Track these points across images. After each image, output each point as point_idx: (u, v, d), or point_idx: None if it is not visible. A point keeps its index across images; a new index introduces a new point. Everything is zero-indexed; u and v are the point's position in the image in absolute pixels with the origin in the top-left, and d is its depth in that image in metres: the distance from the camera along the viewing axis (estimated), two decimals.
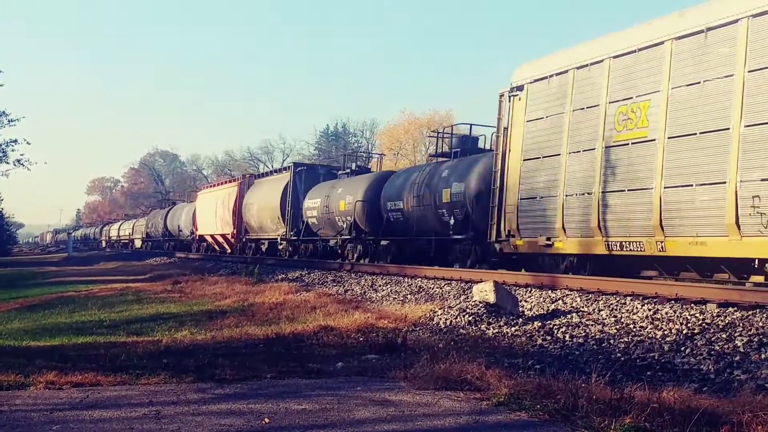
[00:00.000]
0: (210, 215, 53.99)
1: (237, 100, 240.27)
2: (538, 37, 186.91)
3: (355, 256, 33.24)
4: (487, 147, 29.08)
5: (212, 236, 54.30)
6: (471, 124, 31.21)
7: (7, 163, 50.07)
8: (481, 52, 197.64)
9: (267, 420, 7.44)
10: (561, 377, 8.60)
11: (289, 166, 43.29)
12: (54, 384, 9.16)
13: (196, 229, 58.48)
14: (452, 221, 25.88)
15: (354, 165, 38.97)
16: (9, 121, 50.25)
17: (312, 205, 36.85)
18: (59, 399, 8.39)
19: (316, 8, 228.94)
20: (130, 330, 17.14)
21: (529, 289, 17.86)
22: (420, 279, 22.45)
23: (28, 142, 53.84)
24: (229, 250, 51.37)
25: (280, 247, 41.66)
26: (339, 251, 35.28)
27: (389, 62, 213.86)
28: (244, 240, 47.75)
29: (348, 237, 33.29)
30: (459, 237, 25.56)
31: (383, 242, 31.31)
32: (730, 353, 10.69)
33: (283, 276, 29.43)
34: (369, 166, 41.19)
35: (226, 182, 56.56)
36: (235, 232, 48.45)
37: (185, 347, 13.37)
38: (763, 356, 10.29)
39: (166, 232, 72.08)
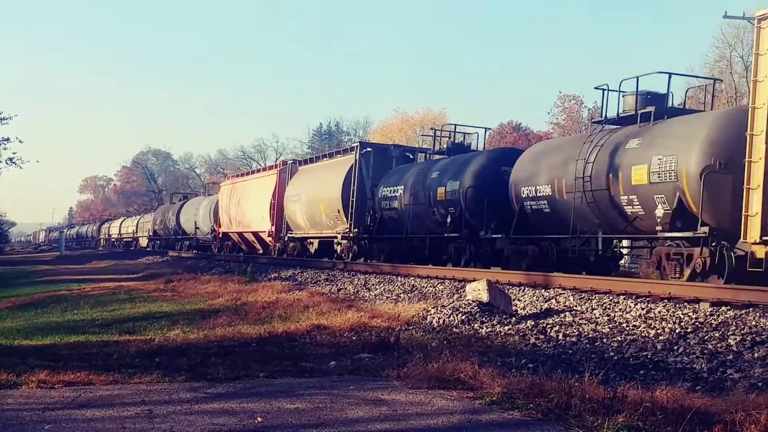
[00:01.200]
0: (238, 210, 46.32)
1: (230, 99, 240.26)
2: (533, 37, 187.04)
3: (463, 260, 24.95)
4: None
5: (241, 234, 46.85)
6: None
7: None
8: (474, 52, 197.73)
9: (260, 419, 7.42)
10: (554, 376, 8.60)
11: (353, 146, 34.40)
12: (46, 383, 9.14)
13: (219, 227, 50.85)
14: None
15: (447, 143, 29.89)
16: (1, 119, 50.19)
17: (390, 193, 29.42)
18: (51, 398, 8.36)
19: (308, 7, 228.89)
20: (122, 329, 17.11)
21: (522, 288, 17.86)
22: (413, 278, 22.45)
23: (20, 141, 53.73)
24: (260, 250, 44.56)
25: (338, 247, 33.61)
26: (442, 252, 26.48)
27: (382, 61, 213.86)
28: (285, 239, 39.55)
29: (453, 234, 25.15)
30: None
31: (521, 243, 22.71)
32: (723, 352, 10.69)
33: (276, 275, 29.41)
34: (468, 143, 30.40)
35: (260, 170, 48.88)
36: (273, 229, 40.78)
37: (178, 346, 13.34)
38: (755, 355, 10.30)
39: (178, 229, 63.85)
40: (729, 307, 12.77)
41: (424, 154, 33.87)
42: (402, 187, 28.52)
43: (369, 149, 33.37)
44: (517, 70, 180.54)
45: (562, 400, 7.75)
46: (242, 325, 16.62)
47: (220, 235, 50.51)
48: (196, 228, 57.99)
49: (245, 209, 45.02)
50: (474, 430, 7.21)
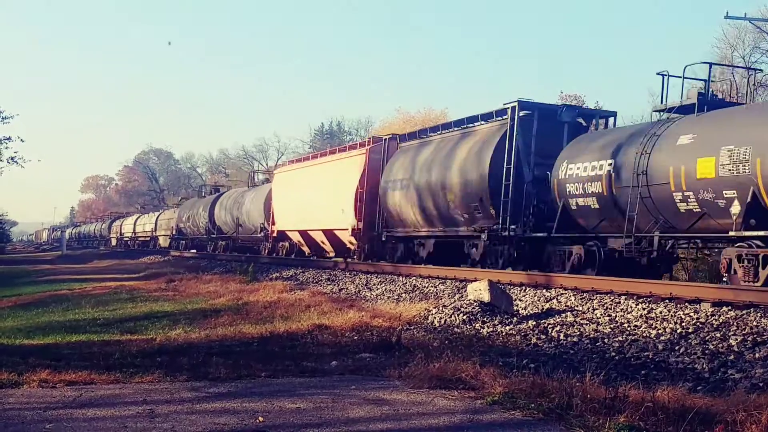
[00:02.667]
0: (302, 202, 36.25)
1: (232, 98, 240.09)
2: (534, 36, 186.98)
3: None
4: None
5: (305, 234, 36.89)
6: None
7: (1, 160, 50.02)
8: (475, 51, 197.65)
9: (261, 419, 7.42)
10: (555, 376, 8.61)
11: (505, 108, 23.06)
12: (47, 382, 9.15)
13: (272, 223, 40.98)
14: None
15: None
16: (3, 118, 50.22)
17: (582, 173, 19.87)
18: (52, 397, 8.36)
19: (308, 7, 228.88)
20: (123, 328, 17.12)
21: (524, 288, 17.86)
22: (415, 278, 22.45)
23: (21, 140, 53.80)
24: (330, 254, 35.05)
25: (474, 249, 24.12)
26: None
27: (384, 60, 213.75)
28: (384, 237, 29.46)
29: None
30: None
31: None
32: (724, 352, 10.70)
33: (278, 274, 29.41)
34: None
35: (338, 150, 37.06)
36: (360, 226, 30.53)
37: (179, 346, 13.35)
38: (757, 355, 10.30)
39: (212, 227, 53.46)
40: (730, 308, 12.76)
41: (607, 119, 24.45)
42: (609, 162, 19.07)
43: (528, 111, 23.00)
44: (519, 69, 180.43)
45: (563, 400, 7.75)
46: (244, 324, 16.61)
47: (274, 235, 40.97)
48: (239, 225, 47.69)
49: (313, 201, 35.09)
50: (475, 429, 7.21)
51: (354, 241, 31.50)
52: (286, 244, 40.36)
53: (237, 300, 21.93)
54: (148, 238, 77.74)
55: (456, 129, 26.41)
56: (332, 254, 34.47)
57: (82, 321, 19.19)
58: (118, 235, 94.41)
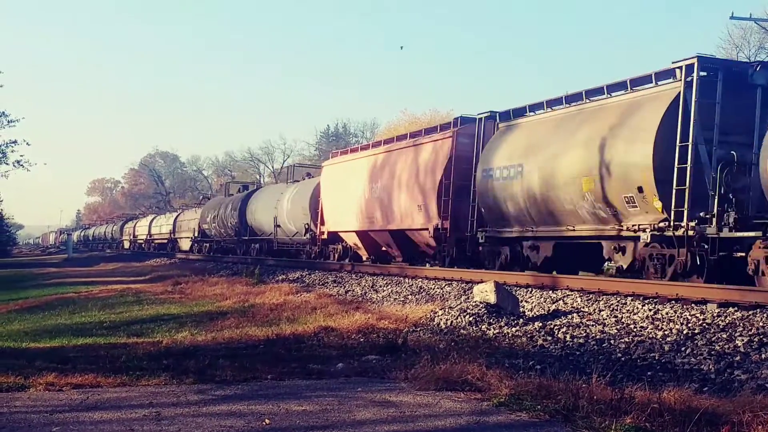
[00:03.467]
0: (364, 198, 30.41)
1: (237, 101, 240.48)
2: (539, 37, 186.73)
3: None
4: None
5: (365, 235, 30.99)
6: None
7: (7, 164, 50.18)
8: (479, 53, 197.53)
9: (268, 421, 7.43)
10: (562, 377, 8.60)
11: (673, 68, 17.45)
12: (54, 385, 9.15)
13: (321, 224, 35.28)
14: None
15: None
16: (9, 121, 50.41)
17: None
18: (59, 400, 8.37)
19: (315, 8, 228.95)
20: (130, 331, 17.15)
21: (530, 289, 17.85)
22: (420, 279, 22.44)
23: (27, 143, 54.15)
24: (398, 258, 29.50)
25: (620, 255, 18.76)
26: None
27: (390, 62, 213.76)
28: (482, 239, 23.48)
29: None
30: None
31: None
32: (730, 353, 10.68)
33: (284, 277, 29.42)
34: None
35: (410, 135, 29.92)
36: (447, 225, 24.90)
37: (186, 348, 13.36)
38: (763, 356, 10.29)
39: (242, 228, 47.64)
40: (736, 308, 12.75)
41: None
42: None
43: (708, 72, 17.07)
44: (524, 70, 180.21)
45: (569, 402, 7.75)
46: (250, 327, 16.63)
47: (324, 236, 34.99)
48: (276, 226, 41.49)
49: (378, 197, 29.55)
50: (482, 431, 7.22)
51: (433, 243, 26.08)
52: (339, 246, 34.34)
53: (243, 302, 21.95)
54: (165, 241, 72.18)
55: (592, 99, 20.35)
56: (400, 259, 29.38)
57: (88, 324, 19.22)
58: (132, 237, 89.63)
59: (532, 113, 22.80)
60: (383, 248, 30.49)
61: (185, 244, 64.08)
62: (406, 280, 22.83)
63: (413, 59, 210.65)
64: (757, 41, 47.09)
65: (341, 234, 33.34)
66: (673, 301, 14.03)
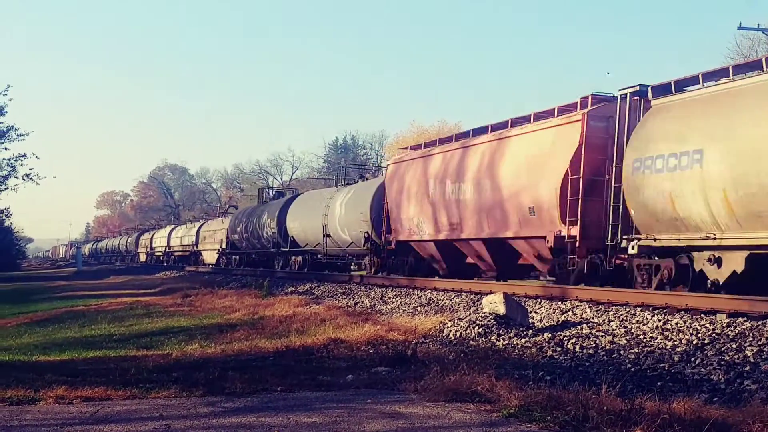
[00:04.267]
0: (444, 201, 25.70)
1: (246, 113, 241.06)
2: (548, 48, 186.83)
3: None
4: None
5: (454, 243, 25.76)
6: None
7: (16, 177, 50.41)
8: (487, 64, 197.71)
9: None
10: (571, 388, 8.59)
11: None
12: (64, 398, 9.17)
13: (388, 232, 29.95)
14: None
15: None
16: (18, 135, 50.66)
17: None
18: (69, 413, 8.39)
19: (324, 21, 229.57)
20: (139, 344, 17.17)
21: (539, 300, 17.83)
22: (430, 291, 22.42)
23: (37, 157, 54.27)
24: (493, 273, 24.74)
25: None
26: None
27: (398, 74, 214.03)
28: (633, 248, 18.01)
29: None
30: None
31: None
32: (740, 363, 10.66)
33: (293, 289, 29.40)
34: None
35: (510, 122, 23.94)
36: (575, 232, 19.74)
37: (195, 361, 13.39)
38: None
39: (283, 238, 42.31)
40: (746, 318, 12.72)
41: None
42: None
43: None
44: (533, 81, 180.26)
45: (579, 413, 7.74)
46: (259, 339, 16.64)
47: (392, 247, 29.65)
48: (326, 236, 36.02)
49: (467, 198, 24.52)
50: None
51: (548, 255, 21.08)
52: (410, 258, 29.04)
53: (252, 314, 21.96)
54: (187, 253, 66.67)
55: None
56: (492, 274, 24.65)
57: (98, 337, 19.26)
58: (148, 249, 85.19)
59: (708, 81, 17.24)
60: (469, 260, 25.68)
61: (210, 257, 59.18)
62: (415, 292, 22.81)
63: (422, 70, 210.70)
64: (766, 51, 47.08)
65: (413, 244, 28.47)
66: (683, 312, 14.00)
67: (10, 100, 49.09)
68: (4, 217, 67.66)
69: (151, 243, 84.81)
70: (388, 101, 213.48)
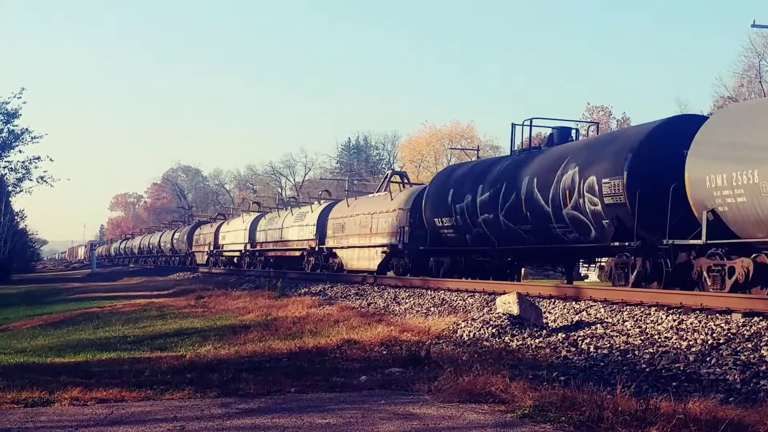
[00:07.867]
0: None
1: (258, 114, 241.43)
2: (560, 48, 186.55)
3: None
4: None
5: None
6: None
7: (31, 180, 50.69)
8: (500, 64, 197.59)
9: None
10: (586, 389, 8.57)
11: None
12: (78, 400, 9.19)
13: None
14: None
15: None
16: (32, 138, 50.97)
17: None
18: (84, 415, 8.41)
19: (335, 21, 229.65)
20: (154, 345, 17.20)
21: (553, 300, 17.80)
22: (443, 291, 22.40)
23: (51, 159, 54.60)
24: None
25: None
26: None
27: (410, 74, 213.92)
28: None
29: None
30: None
31: None
32: (756, 363, 10.61)
33: (306, 290, 29.42)
34: None
35: None
36: None
37: (209, 362, 13.39)
38: None
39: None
40: (761, 318, 12.66)
41: None
42: None
43: None
44: (544, 81, 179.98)
45: (594, 413, 7.71)
46: (273, 340, 16.64)
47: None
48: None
49: None
50: None
51: None
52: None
53: (266, 316, 21.96)
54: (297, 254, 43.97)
55: None
56: None
57: (112, 338, 19.30)
58: (211, 248, 62.53)
59: None
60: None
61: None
62: (428, 292, 22.79)
63: (434, 70, 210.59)
64: None
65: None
66: (698, 311, 13.95)
67: (24, 103, 49.38)
68: (18, 220, 67.96)
69: (215, 240, 62.01)
70: (400, 101, 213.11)
